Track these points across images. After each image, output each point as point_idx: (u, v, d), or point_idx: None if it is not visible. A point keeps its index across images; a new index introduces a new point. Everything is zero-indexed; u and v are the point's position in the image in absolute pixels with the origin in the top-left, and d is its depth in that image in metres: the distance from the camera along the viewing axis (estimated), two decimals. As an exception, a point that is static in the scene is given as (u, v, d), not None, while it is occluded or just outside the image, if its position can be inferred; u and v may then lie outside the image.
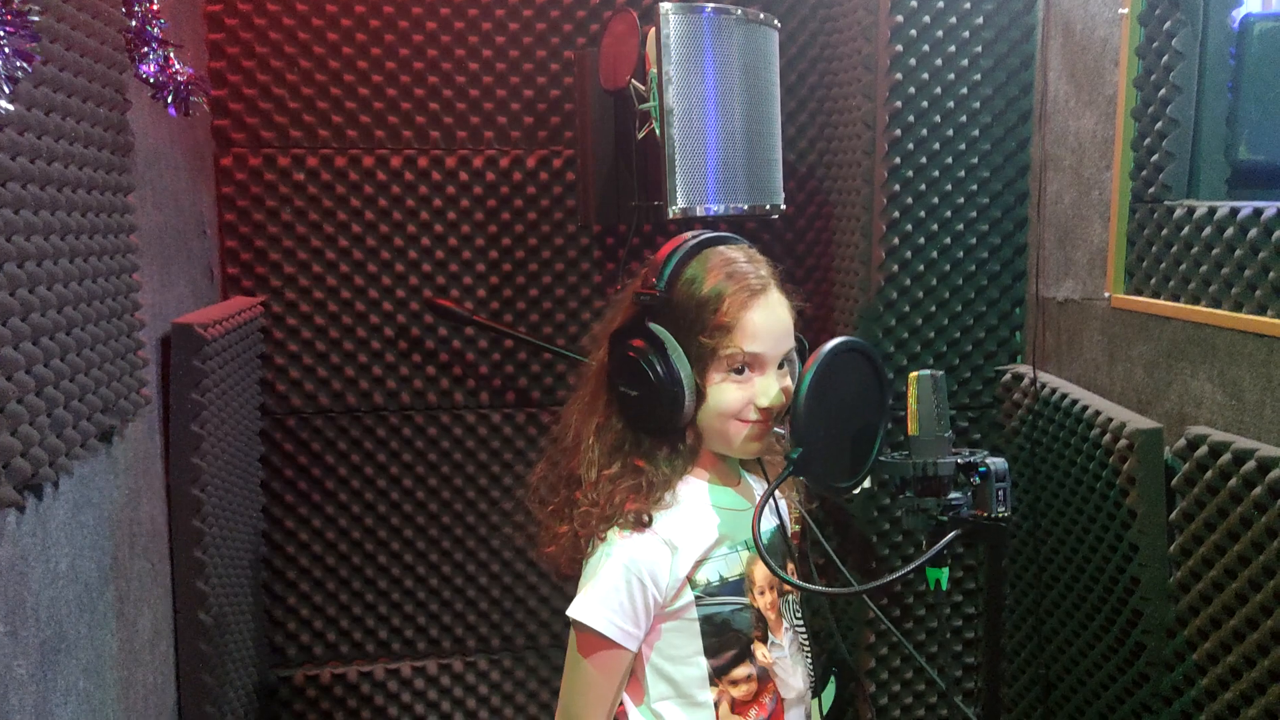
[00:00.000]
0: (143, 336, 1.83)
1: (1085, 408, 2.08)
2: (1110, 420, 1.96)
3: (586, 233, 2.63)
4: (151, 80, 1.58)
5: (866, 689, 2.59)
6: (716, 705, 1.39)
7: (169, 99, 1.60)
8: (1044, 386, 2.28)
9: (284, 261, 2.54)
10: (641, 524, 1.33)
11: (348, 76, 2.50)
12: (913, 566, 1.10)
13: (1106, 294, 2.12)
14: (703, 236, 1.39)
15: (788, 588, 1.45)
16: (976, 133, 2.42)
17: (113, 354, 1.53)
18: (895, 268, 2.43)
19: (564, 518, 1.37)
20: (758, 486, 1.48)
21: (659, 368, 1.29)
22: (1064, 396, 2.18)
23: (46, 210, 1.35)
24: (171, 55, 1.63)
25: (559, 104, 2.58)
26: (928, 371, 1.18)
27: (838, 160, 2.64)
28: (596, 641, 1.32)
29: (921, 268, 2.45)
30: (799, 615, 1.50)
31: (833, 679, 2.65)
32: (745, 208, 2.04)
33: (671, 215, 1.98)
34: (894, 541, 2.55)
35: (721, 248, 1.38)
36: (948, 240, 2.45)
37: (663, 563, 1.32)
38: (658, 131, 1.98)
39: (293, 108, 2.50)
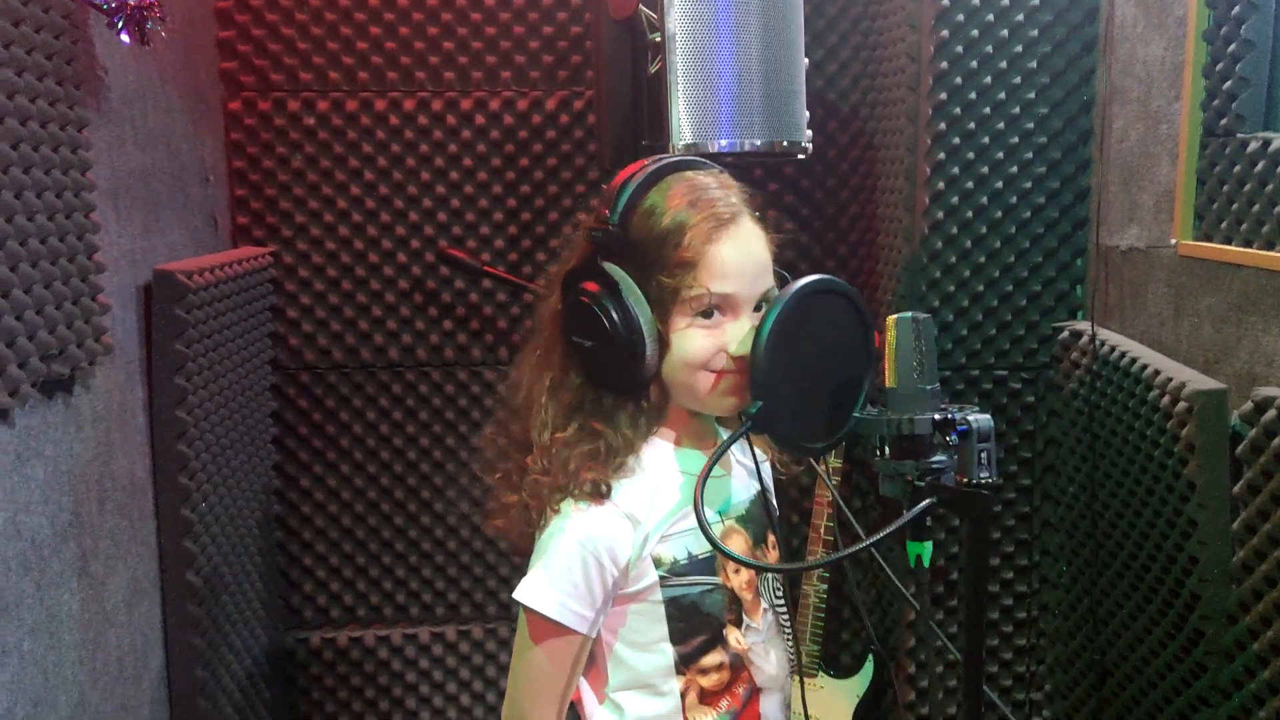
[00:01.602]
0: (113, 283, 1.74)
1: (1145, 366, 1.86)
2: (1169, 380, 1.75)
3: (609, 179, 2.46)
4: (103, 6, 1.46)
5: (905, 669, 2.41)
6: (683, 695, 1.23)
7: (119, 25, 1.48)
8: (1103, 344, 2.06)
9: (295, 210, 2.44)
10: (599, 495, 1.17)
11: (358, 15, 2.38)
12: (875, 538, 0.94)
13: (1173, 240, 1.89)
14: (665, 160, 1.22)
15: (767, 560, 1.29)
16: (1034, 64, 2.19)
17: (55, 298, 1.43)
18: (940, 214, 2.23)
19: (513, 486, 1.22)
20: (738, 448, 1.31)
21: (613, 314, 1.12)
22: (1123, 355, 1.96)
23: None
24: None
25: (580, 41, 2.42)
26: (909, 314, 1.00)
27: (882, 98, 2.43)
28: (547, 626, 1.17)
29: (970, 214, 2.23)
30: (779, 593, 1.33)
31: (870, 660, 2.49)
32: (761, 144, 1.86)
33: (680, 148, 1.81)
34: (951, 525, 2.36)
35: (688, 172, 1.21)
36: (999, 184, 2.23)
37: (623, 539, 1.17)
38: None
39: (302, 49, 2.38)
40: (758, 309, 1.17)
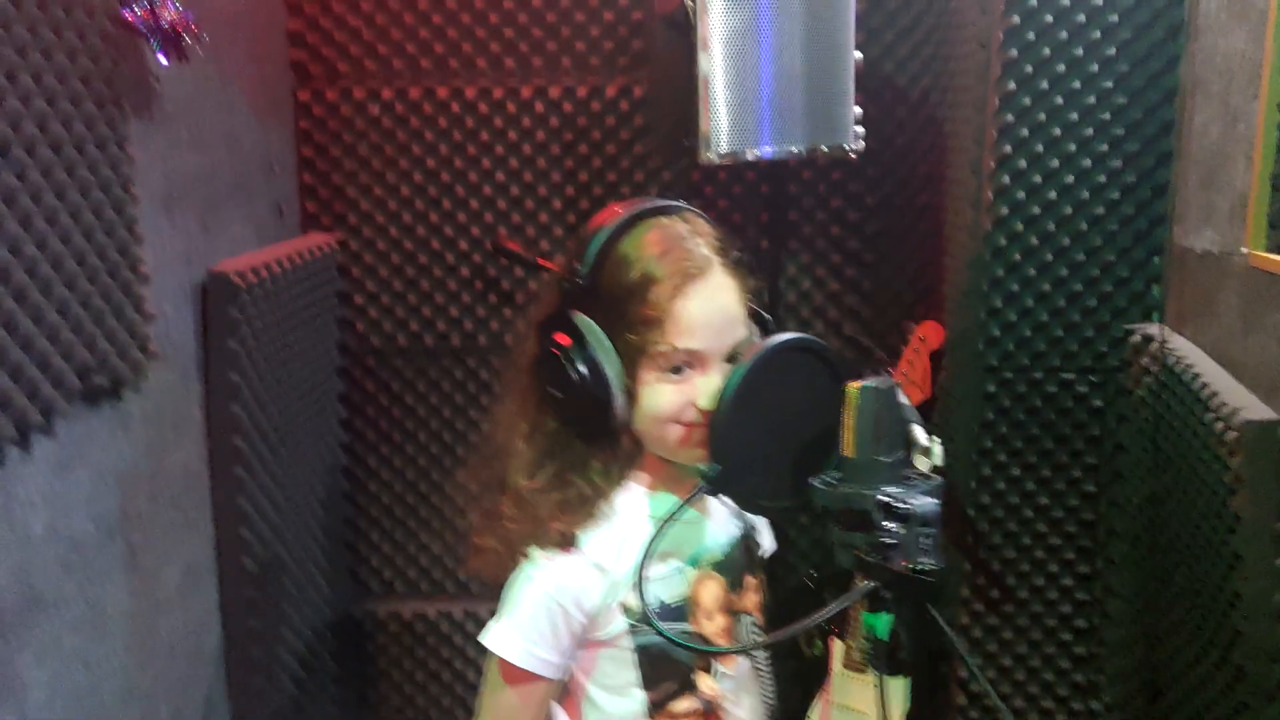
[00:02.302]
0: (168, 284, 1.82)
1: (1205, 385, 1.76)
2: (1224, 405, 1.65)
3: (672, 168, 2.44)
4: (140, 26, 1.50)
5: (956, 671, 2.37)
6: None
7: (156, 47, 1.53)
8: (1170, 353, 1.96)
9: (360, 198, 2.49)
10: (566, 544, 1.18)
11: (421, 3, 2.39)
12: (808, 622, 0.92)
13: (1244, 249, 1.77)
14: (637, 209, 1.20)
15: (743, 607, 1.28)
16: (1113, 50, 2.06)
17: (93, 315, 1.50)
18: (1005, 210, 2.13)
19: (489, 530, 1.24)
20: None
21: (581, 367, 1.12)
22: (1188, 368, 1.85)
23: (38, 173, 1.32)
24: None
25: (640, 28, 2.38)
26: (873, 383, 0.96)
27: (953, 84, 2.33)
28: (517, 673, 1.20)
29: (1037, 210, 2.13)
30: (758, 637, 1.32)
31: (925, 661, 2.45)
32: (803, 150, 1.81)
33: (707, 160, 1.78)
34: (994, 516, 2.29)
35: (662, 219, 1.19)
36: (1070, 179, 2.11)
37: (590, 588, 1.18)
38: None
39: (367, 38, 2.41)
40: (731, 359, 1.15)
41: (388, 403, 2.59)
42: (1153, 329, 2.08)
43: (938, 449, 2.06)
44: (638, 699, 1.23)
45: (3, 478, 1.36)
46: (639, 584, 1.01)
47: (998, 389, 2.22)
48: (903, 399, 1.02)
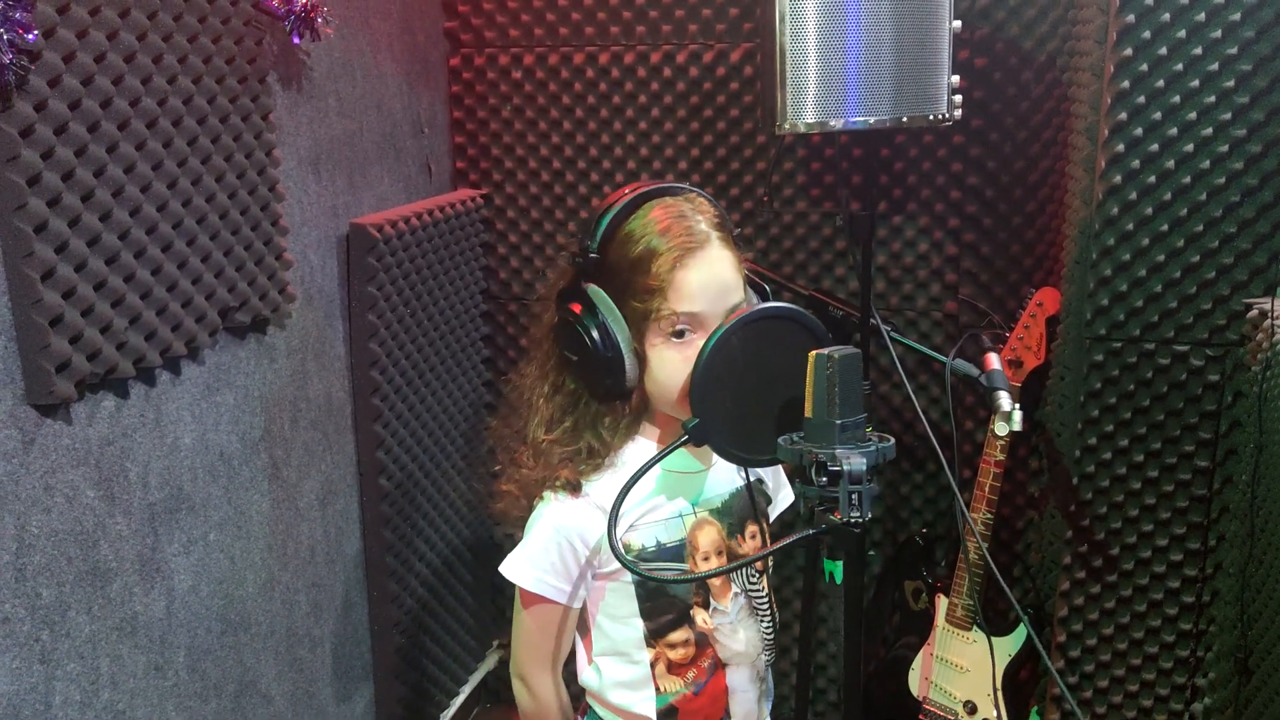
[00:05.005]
0: (314, 236, 2.07)
1: (1295, 366, 1.72)
2: (1304, 386, 1.62)
3: (767, 130, 2.50)
4: (277, 11, 1.73)
5: (1057, 637, 2.39)
6: (653, 665, 1.39)
7: (289, 28, 1.75)
8: (1278, 331, 1.90)
9: (504, 157, 2.69)
10: (573, 489, 1.34)
11: (560, -29, 2.55)
12: (760, 555, 1.03)
13: (1348, 227, 1.71)
14: (643, 189, 1.32)
15: (743, 550, 1.40)
16: (1237, 16, 1.98)
17: (235, 263, 1.76)
18: (1118, 178, 2.10)
19: (509, 477, 1.41)
20: None
21: (594, 333, 1.26)
22: (1288, 347, 1.81)
23: (183, 141, 1.59)
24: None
25: (765, -7, 2.45)
26: (826, 351, 1.06)
27: (1078, 48, 2.29)
28: (531, 596, 1.38)
29: (1152, 179, 2.09)
30: (753, 580, 1.43)
31: (1024, 624, 2.47)
32: (888, 120, 1.86)
33: (788, 129, 1.85)
34: (1100, 486, 2.28)
35: (668, 199, 1.31)
36: (1190, 147, 2.06)
37: (593, 525, 1.33)
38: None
39: (512, 7, 2.59)
40: None
41: (528, 345, 2.81)
42: (1269, 304, 2.02)
43: (1018, 415, 2.09)
44: (638, 627, 1.38)
45: (154, 396, 1.64)
46: (611, 521, 1.14)
47: (1105, 358, 2.20)
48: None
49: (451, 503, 2.63)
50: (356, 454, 2.28)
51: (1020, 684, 2.52)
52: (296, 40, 1.78)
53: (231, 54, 1.71)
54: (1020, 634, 2.47)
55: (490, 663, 2.91)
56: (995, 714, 2.40)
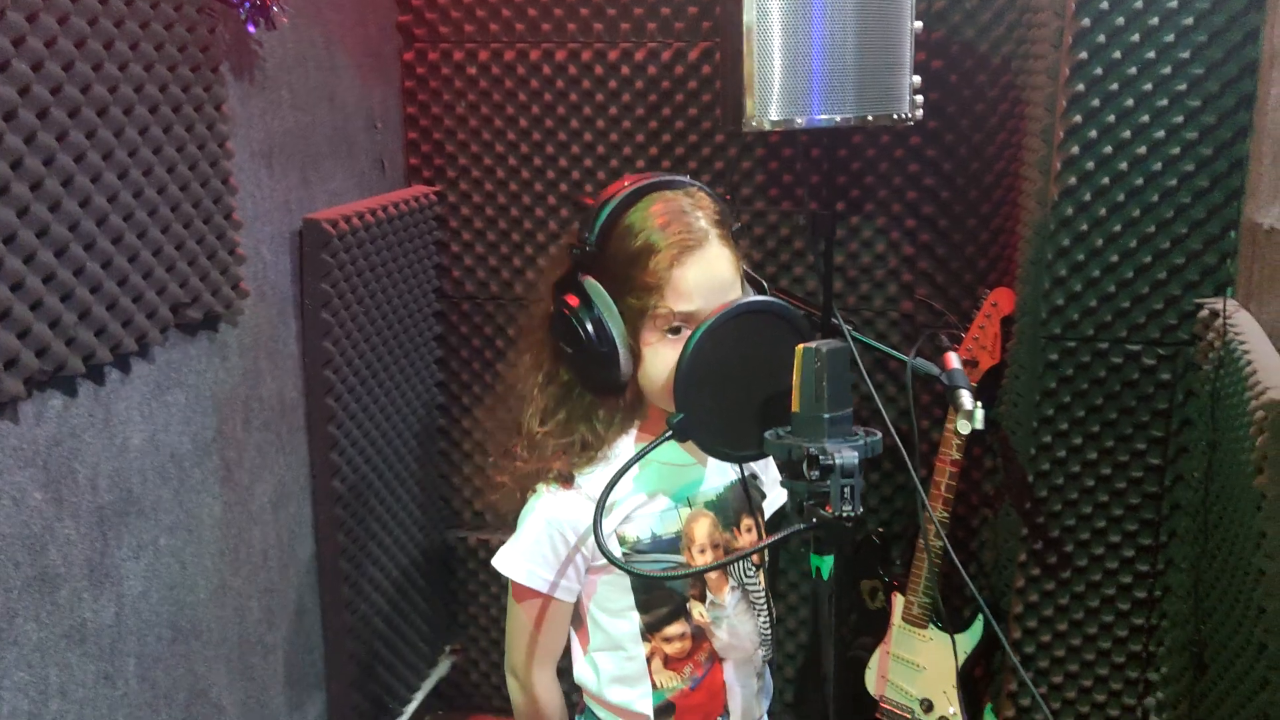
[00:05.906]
0: (266, 232, 2.02)
1: (1249, 363, 1.75)
2: (1259, 384, 1.64)
3: (727, 129, 2.51)
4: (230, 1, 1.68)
5: (1013, 633, 2.41)
6: (649, 660, 1.37)
7: (244, 17, 1.70)
8: (1229, 330, 1.94)
9: (458, 153, 2.65)
10: (565, 482, 1.32)
11: (516, -34, 2.52)
12: (754, 549, 1.01)
13: (1302, 228, 1.75)
14: (643, 181, 1.30)
15: (738, 544, 1.38)
16: (1190, 20, 2.02)
17: (187, 257, 1.70)
18: (1073, 180, 2.13)
19: (502, 469, 1.39)
20: None
21: (589, 326, 1.24)
22: (1242, 344, 1.84)
23: (134, 130, 1.54)
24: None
25: (723, -8, 2.45)
26: (814, 345, 1.05)
27: (1033, 51, 2.32)
28: (521, 590, 1.35)
29: (1106, 181, 2.12)
30: (750, 573, 1.42)
31: (981, 619, 2.49)
32: (853, 118, 1.86)
33: (754, 126, 1.85)
34: (1054, 483, 2.31)
35: (667, 192, 1.29)
36: (1142, 149, 2.09)
37: (586, 519, 1.31)
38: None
39: (467, 3, 2.56)
40: None
41: (481, 344, 2.77)
42: (1220, 304, 2.06)
43: (979, 414, 2.10)
44: (634, 621, 1.36)
45: (104, 394, 1.58)
46: (596, 517, 1.12)
47: (1060, 357, 2.23)
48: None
49: (405, 506, 2.59)
50: (310, 456, 2.22)
51: (975, 681, 2.54)
52: (252, 28, 1.73)
53: (184, 41, 1.65)
54: (976, 631, 2.50)
55: (443, 669, 2.87)
56: (953, 710, 2.41)
